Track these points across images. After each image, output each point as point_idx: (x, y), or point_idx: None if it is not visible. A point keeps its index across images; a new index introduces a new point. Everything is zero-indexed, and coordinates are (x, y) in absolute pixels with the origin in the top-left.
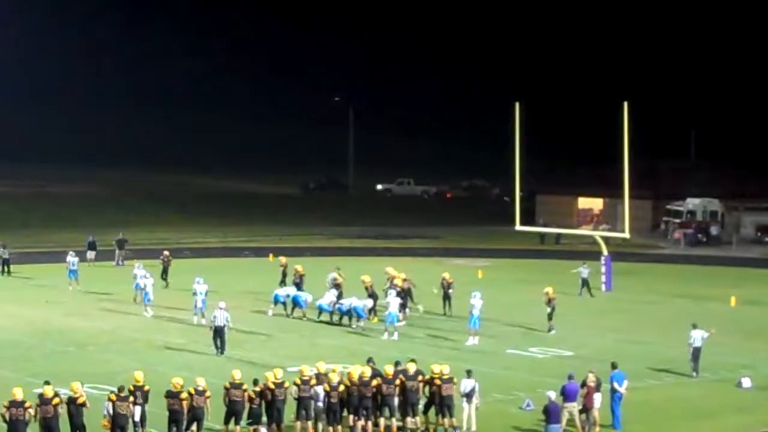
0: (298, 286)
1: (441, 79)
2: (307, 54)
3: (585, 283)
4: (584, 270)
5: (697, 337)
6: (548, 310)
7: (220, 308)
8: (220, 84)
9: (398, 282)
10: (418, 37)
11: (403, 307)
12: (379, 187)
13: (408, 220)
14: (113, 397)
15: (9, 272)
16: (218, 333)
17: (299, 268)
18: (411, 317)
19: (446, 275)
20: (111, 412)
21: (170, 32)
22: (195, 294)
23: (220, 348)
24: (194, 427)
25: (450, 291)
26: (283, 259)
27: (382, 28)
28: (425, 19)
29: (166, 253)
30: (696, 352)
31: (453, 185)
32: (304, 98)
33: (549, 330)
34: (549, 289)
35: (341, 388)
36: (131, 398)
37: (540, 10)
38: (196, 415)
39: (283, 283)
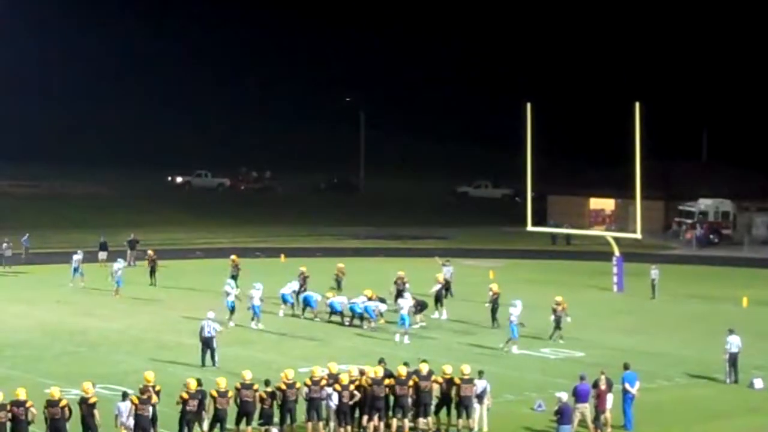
0: (301, 287)
1: (452, 79)
2: (318, 54)
3: (652, 284)
4: (653, 272)
5: (735, 342)
6: (487, 304)
7: (208, 318)
8: (229, 84)
9: (440, 277)
10: (429, 37)
11: (421, 309)
12: (179, 179)
13: (419, 220)
14: (135, 400)
15: None
16: (207, 344)
17: (304, 269)
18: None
19: (494, 287)
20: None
21: (180, 32)
22: None
23: (212, 360)
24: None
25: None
26: (235, 258)
27: (394, 28)
28: (437, 19)
29: (150, 252)
30: (733, 358)
31: (243, 177)
32: (315, 98)
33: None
34: (493, 285)
35: (352, 387)
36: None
37: (551, 10)
38: (219, 415)
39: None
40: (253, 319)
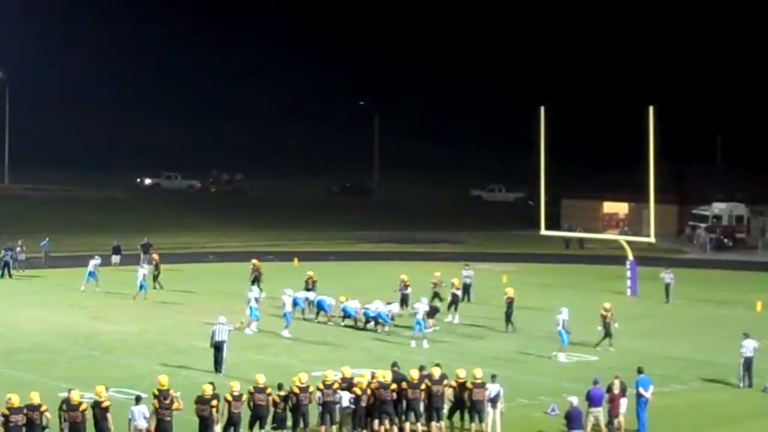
0: (309, 291)
1: (466, 82)
2: (331, 58)
3: (666, 288)
4: (667, 276)
5: (749, 346)
6: (506, 309)
7: (221, 323)
8: (242, 88)
9: (457, 282)
10: (443, 39)
11: (433, 313)
12: (148, 181)
13: (432, 224)
14: (156, 405)
15: (10, 275)
16: (218, 349)
17: (311, 273)
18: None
19: (509, 291)
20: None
21: (191, 36)
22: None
23: (220, 366)
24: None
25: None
26: (255, 262)
27: (407, 31)
28: (451, 22)
29: (155, 256)
30: (747, 362)
31: (213, 180)
32: (329, 103)
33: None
34: (508, 290)
35: (369, 392)
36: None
37: (565, 14)
38: (233, 419)
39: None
40: (286, 327)
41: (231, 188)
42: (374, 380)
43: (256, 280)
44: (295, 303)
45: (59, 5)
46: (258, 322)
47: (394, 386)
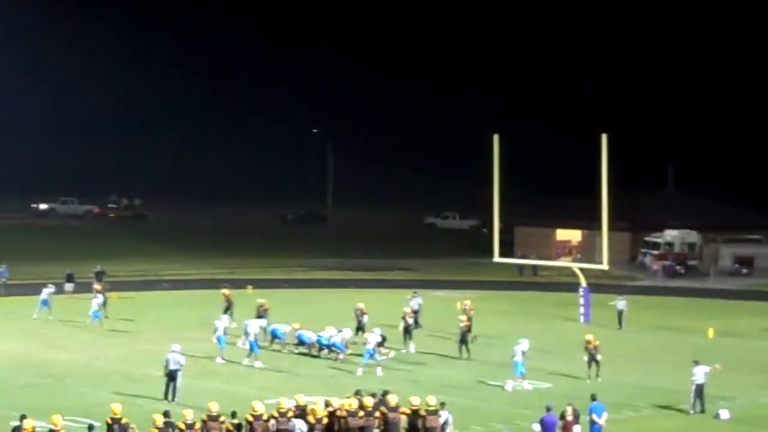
0: (260, 318)
1: (418, 110)
2: (285, 85)
3: (619, 315)
4: (620, 303)
5: (700, 373)
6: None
7: (173, 351)
8: (196, 116)
9: (409, 311)
10: (395, 67)
11: (381, 342)
12: (43, 206)
13: (386, 251)
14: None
15: None
16: (171, 378)
17: (263, 301)
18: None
19: (464, 318)
20: None
21: (155, 68)
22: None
23: (172, 394)
24: None
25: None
26: (226, 291)
27: (361, 57)
28: (402, 49)
29: (98, 288)
30: (699, 389)
31: (113, 204)
32: (282, 130)
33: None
34: (463, 317)
35: (325, 420)
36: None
37: (517, 41)
38: None
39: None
40: (249, 355)
41: (131, 213)
42: (342, 408)
43: (227, 309)
44: (246, 331)
45: None
46: (222, 351)
47: (361, 413)
